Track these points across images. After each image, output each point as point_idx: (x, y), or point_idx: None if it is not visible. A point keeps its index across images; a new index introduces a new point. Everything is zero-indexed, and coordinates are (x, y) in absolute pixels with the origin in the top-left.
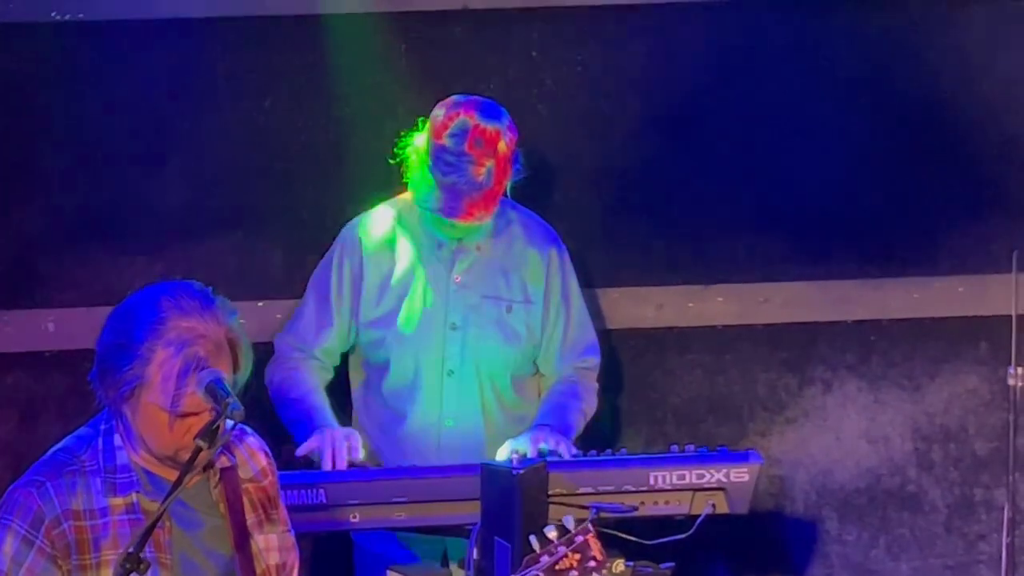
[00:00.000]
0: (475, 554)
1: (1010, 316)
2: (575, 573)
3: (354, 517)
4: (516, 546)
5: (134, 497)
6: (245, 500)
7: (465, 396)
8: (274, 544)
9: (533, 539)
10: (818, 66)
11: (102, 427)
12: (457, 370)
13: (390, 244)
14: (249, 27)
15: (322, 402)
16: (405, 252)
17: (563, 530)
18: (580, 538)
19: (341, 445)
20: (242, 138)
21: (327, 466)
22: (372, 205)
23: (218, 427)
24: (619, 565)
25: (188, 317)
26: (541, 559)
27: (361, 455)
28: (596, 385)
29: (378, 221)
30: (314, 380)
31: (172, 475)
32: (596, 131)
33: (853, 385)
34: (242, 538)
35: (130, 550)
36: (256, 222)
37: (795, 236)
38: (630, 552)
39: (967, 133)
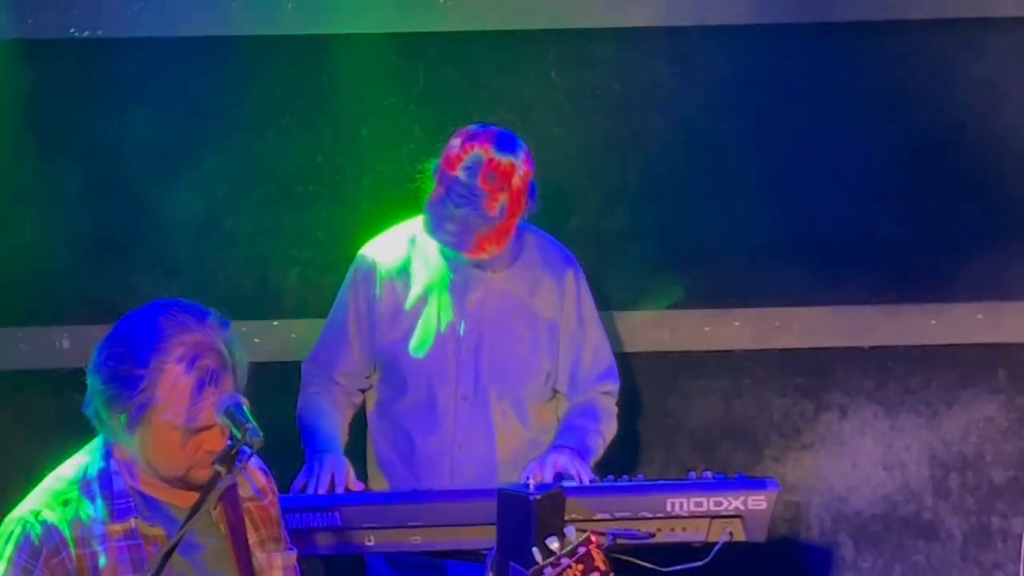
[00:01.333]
0: None
1: None
2: None
3: (369, 540)
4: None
5: (132, 523)
6: (246, 519)
7: (479, 421)
8: (277, 563)
9: (536, 551)
10: (837, 91)
11: (98, 453)
12: (471, 395)
13: (405, 268)
14: (266, 46)
15: (327, 427)
16: (420, 276)
17: (565, 541)
18: (583, 549)
19: (325, 477)
20: (257, 157)
21: (296, 487)
22: (388, 226)
23: (236, 452)
24: None
25: (190, 331)
26: (545, 571)
27: (343, 487)
28: (615, 409)
29: (393, 244)
30: (328, 405)
31: (172, 497)
32: (613, 154)
33: (870, 411)
34: (244, 558)
35: (150, 574)
36: (271, 241)
37: (813, 261)
38: None
39: (986, 160)
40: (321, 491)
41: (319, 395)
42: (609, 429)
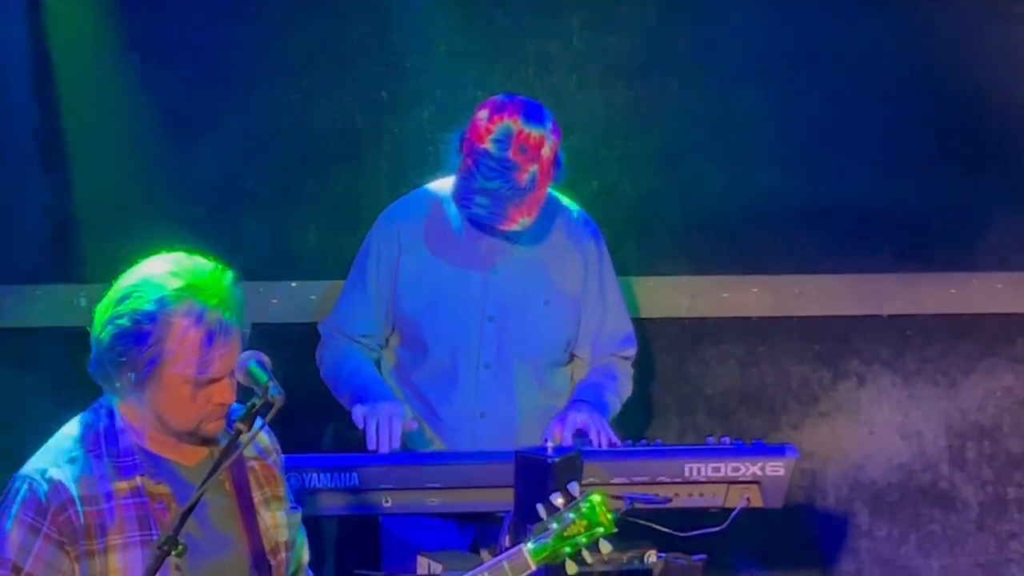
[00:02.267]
0: (507, 541)
1: None
2: (584, 539)
3: (387, 502)
4: None
5: (138, 480)
6: (251, 478)
7: (500, 389)
8: (281, 521)
9: (540, 507)
10: (858, 59)
11: (103, 411)
12: (493, 363)
13: (426, 235)
14: (287, 7)
15: (374, 373)
16: (444, 241)
17: (569, 497)
18: (587, 504)
19: (385, 427)
20: (278, 118)
21: (371, 445)
22: (406, 188)
23: (257, 410)
24: (652, 555)
25: (194, 283)
26: (550, 527)
27: (400, 439)
28: (631, 371)
29: (417, 207)
30: (363, 357)
31: (178, 455)
32: (634, 119)
33: (887, 380)
34: (249, 516)
35: (169, 533)
36: (290, 202)
37: (832, 229)
38: (663, 543)
39: (1008, 128)
40: (383, 449)
41: (345, 349)
42: (625, 389)
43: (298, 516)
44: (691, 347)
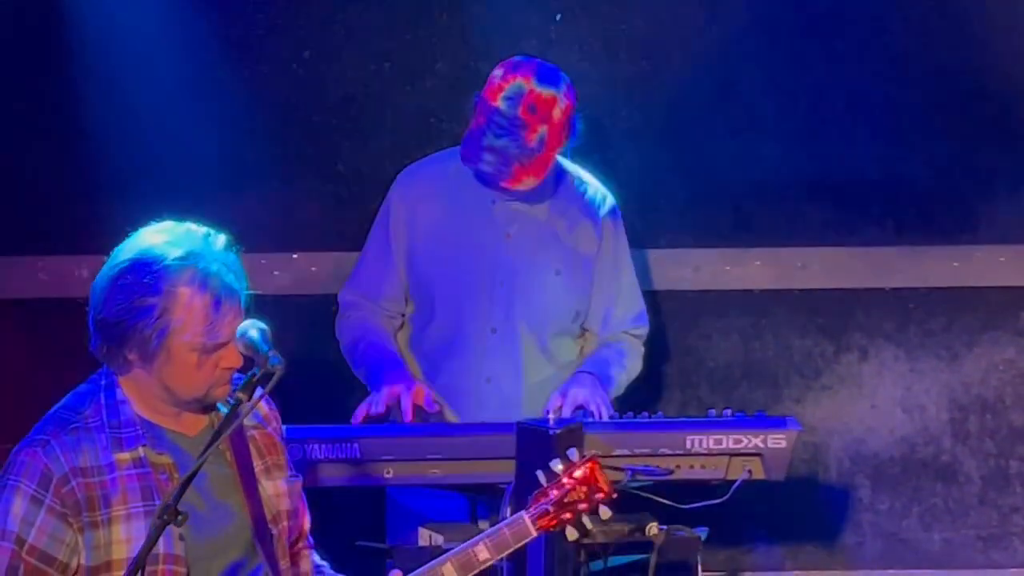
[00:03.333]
0: (508, 513)
1: None
2: (584, 505)
3: (388, 473)
4: None
5: (141, 451)
6: (251, 447)
7: (507, 354)
8: (283, 490)
9: (540, 474)
10: (862, 33)
11: (103, 382)
12: (500, 328)
13: (443, 196)
14: None
15: (389, 350)
16: (459, 204)
17: (568, 463)
18: (586, 470)
19: (384, 402)
20: (280, 90)
21: (407, 417)
22: (408, 160)
23: (258, 379)
24: (653, 528)
25: (193, 251)
26: (551, 493)
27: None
28: (643, 350)
29: (433, 172)
30: (382, 328)
31: (179, 425)
32: (638, 92)
33: (890, 353)
34: (250, 485)
35: (168, 502)
36: (292, 175)
37: (835, 202)
38: (664, 516)
39: (1011, 102)
40: (380, 409)
41: (366, 320)
42: (634, 366)
43: (298, 484)
44: (694, 320)
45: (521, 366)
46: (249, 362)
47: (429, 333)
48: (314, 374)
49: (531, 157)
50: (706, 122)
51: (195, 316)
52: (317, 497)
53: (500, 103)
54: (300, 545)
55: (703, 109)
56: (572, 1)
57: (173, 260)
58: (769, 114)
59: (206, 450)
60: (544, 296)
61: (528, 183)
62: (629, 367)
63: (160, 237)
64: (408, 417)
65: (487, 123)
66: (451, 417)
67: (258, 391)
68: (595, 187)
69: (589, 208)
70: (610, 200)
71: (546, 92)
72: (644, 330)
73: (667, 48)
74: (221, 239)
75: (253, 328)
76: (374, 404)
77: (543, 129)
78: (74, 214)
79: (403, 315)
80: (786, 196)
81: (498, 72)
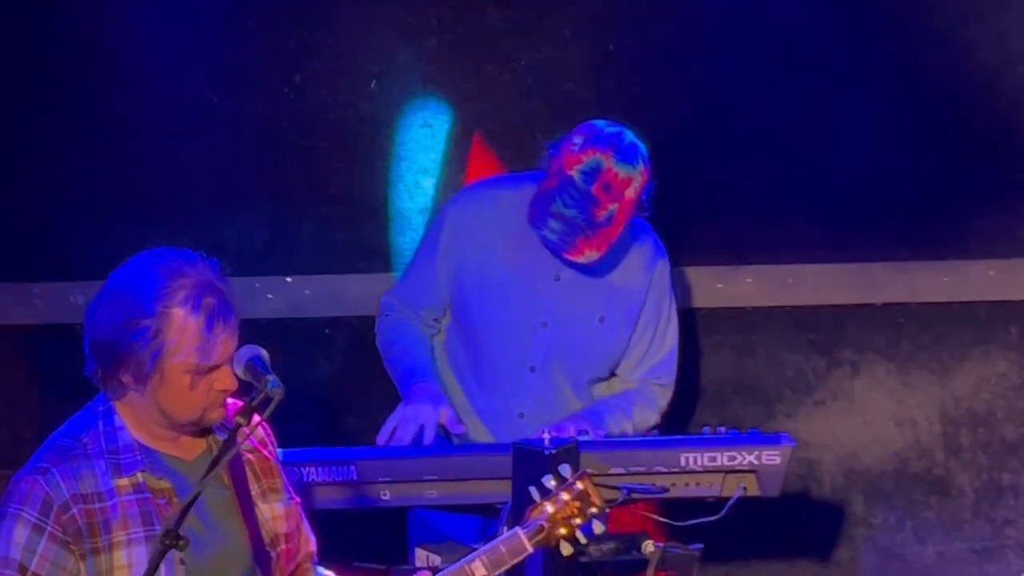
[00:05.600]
0: (504, 533)
1: None
2: (578, 520)
3: (384, 495)
4: None
5: (140, 477)
6: (248, 471)
7: (543, 392)
8: (280, 512)
9: (533, 490)
10: (850, 47)
11: (100, 409)
12: (539, 367)
13: (499, 227)
14: (281, 3)
15: (423, 359)
16: (512, 240)
17: (561, 479)
18: (579, 485)
19: (412, 427)
20: (272, 113)
21: (382, 440)
22: (401, 182)
23: (257, 404)
24: (649, 546)
25: (186, 274)
26: (545, 509)
27: (432, 436)
28: (662, 403)
29: (493, 199)
30: (420, 332)
31: (176, 450)
32: (627, 112)
33: (881, 368)
34: (248, 509)
35: (170, 527)
36: (285, 197)
37: (825, 218)
38: (660, 532)
39: (999, 117)
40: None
41: (402, 322)
42: (643, 417)
43: (296, 506)
44: (685, 338)
45: (554, 406)
46: (247, 387)
47: (469, 360)
48: (309, 397)
49: (596, 232)
50: (695, 140)
51: (189, 337)
52: (315, 517)
53: (575, 174)
54: (304, 567)
55: (692, 127)
56: (561, 22)
57: (167, 282)
58: (757, 132)
59: (206, 475)
60: (586, 342)
61: (590, 256)
62: (636, 417)
63: (153, 260)
64: (429, 440)
65: (559, 189)
66: (482, 436)
67: (256, 416)
68: (650, 238)
69: (642, 260)
70: (662, 254)
71: (624, 172)
72: (667, 380)
73: (655, 68)
74: (214, 263)
75: (252, 352)
76: (399, 432)
77: (614, 207)
78: (68, 240)
79: (439, 323)
80: (776, 213)
81: (577, 141)
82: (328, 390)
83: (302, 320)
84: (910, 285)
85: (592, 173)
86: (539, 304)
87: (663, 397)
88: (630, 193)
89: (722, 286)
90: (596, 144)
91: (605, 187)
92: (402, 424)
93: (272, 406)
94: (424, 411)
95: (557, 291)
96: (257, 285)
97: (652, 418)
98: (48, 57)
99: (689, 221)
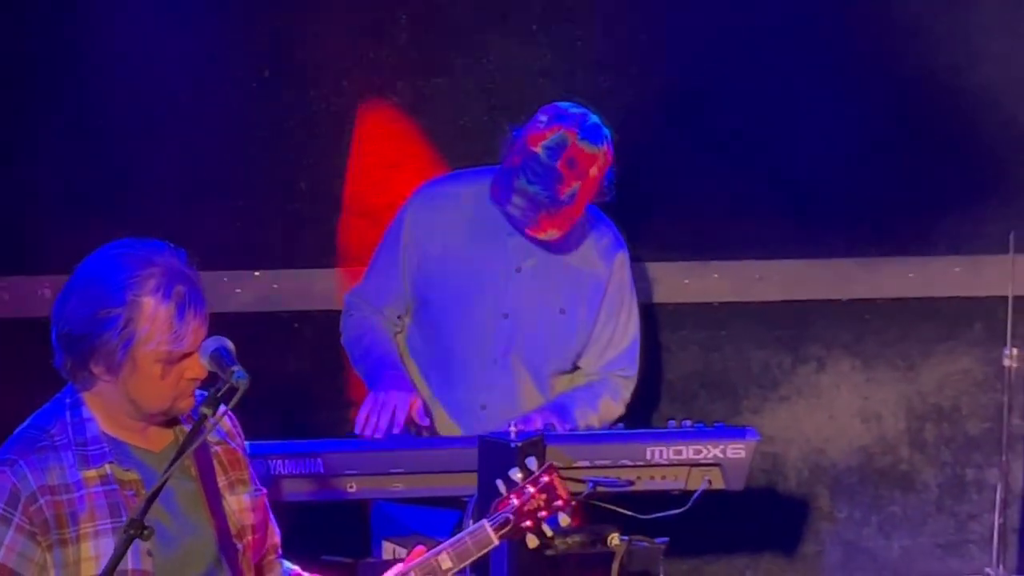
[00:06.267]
0: (470, 525)
1: (1006, 297)
2: (544, 513)
3: (351, 487)
4: None
5: (107, 468)
6: (215, 463)
7: (505, 385)
8: (247, 504)
9: (500, 483)
10: (817, 45)
11: (68, 400)
12: (500, 360)
13: (459, 221)
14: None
15: (390, 354)
16: (472, 233)
17: (528, 471)
18: (545, 478)
19: (385, 415)
20: (241, 108)
21: (368, 431)
22: (369, 179)
23: (222, 394)
24: (614, 538)
25: (154, 263)
26: (511, 501)
27: (399, 426)
28: (626, 395)
29: (452, 194)
30: (384, 330)
31: (144, 441)
32: (594, 106)
33: (847, 364)
34: (215, 501)
35: (134, 516)
36: (254, 192)
37: (792, 214)
38: (625, 526)
39: (966, 114)
40: (378, 435)
41: (368, 319)
42: (608, 410)
43: (263, 498)
44: (652, 333)
45: (517, 398)
46: (213, 378)
47: (431, 354)
48: (277, 390)
49: (559, 209)
50: (662, 135)
51: (159, 325)
52: (282, 510)
53: (540, 150)
54: (271, 557)
55: (659, 122)
56: (529, 18)
57: (135, 271)
58: (725, 126)
59: (171, 465)
60: (547, 334)
61: (552, 234)
62: (602, 409)
63: (121, 251)
64: (398, 428)
65: (522, 165)
66: (448, 428)
67: (222, 406)
68: (610, 231)
69: (602, 252)
70: (622, 246)
71: (588, 149)
72: (630, 372)
73: (622, 63)
74: (179, 252)
75: (218, 343)
76: (372, 420)
77: (577, 185)
78: (36, 234)
79: (402, 319)
80: (743, 210)
81: (543, 118)
82: (296, 384)
83: (270, 314)
84: (876, 281)
85: (557, 148)
86: (500, 296)
87: (627, 389)
88: (594, 172)
89: (689, 282)
90: (562, 121)
91: (570, 162)
92: (374, 411)
93: (237, 396)
94: (396, 397)
95: (518, 283)
96: (225, 279)
97: (617, 410)
98: (15, 51)
99: (657, 217)
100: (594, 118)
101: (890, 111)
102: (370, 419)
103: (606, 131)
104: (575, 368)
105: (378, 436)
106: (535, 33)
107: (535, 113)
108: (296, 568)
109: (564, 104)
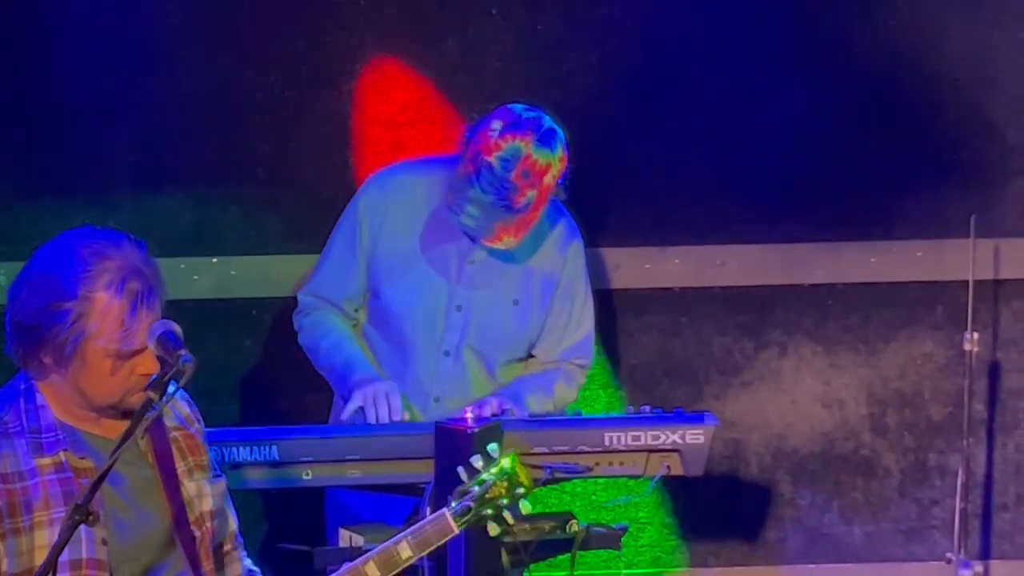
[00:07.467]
0: (428, 512)
1: (967, 281)
2: (505, 501)
3: (307, 475)
4: None
5: (61, 456)
6: (173, 448)
7: (457, 377)
8: (206, 491)
9: (461, 470)
10: (778, 30)
11: (22, 387)
12: (453, 351)
13: (413, 210)
14: None
15: (358, 351)
16: (428, 222)
17: (489, 459)
18: (507, 464)
19: (382, 401)
20: (197, 94)
21: (371, 419)
22: (328, 163)
23: (168, 379)
24: (574, 525)
25: (111, 257)
26: (472, 489)
27: (401, 414)
28: (580, 380)
29: (405, 182)
30: (345, 327)
31: (100, 429)
32: (554, 92)
33: (809, 349)
34: (172, 487)
35: (79, 502)
36: (211, 179)
37: (753, 199)
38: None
39: (926, 98)
40: (395, 417)
41: (328, 317)
42: (564, 394)
43: (222, 485)
44: (613, 318)
45: (469, 389)
46: (163, 363)
47: (384, 347)
48: (236, 377)
49: (514, 217)
50: (622, 121)
51: (111, 322)
52: (241, 498)
53: (494, 161)
54: (228, 547)
55: (619, 108)
56: (488, 2)
57: (90, 265)
58: (685, 111)
59: (116, 449)
60: (500, 325)
61: (508, 242)
62: (557, 395)
63: (77, 241)
64: (397, 415)
65: (476, 175)
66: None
67: (170, 389)
68: (564, 220)
69: (556, 241)
70: (576, 235)
71: (543, 159)
72: (586, 360)
73: (582, 49)
74: (140, 245)
75: (164, 327)
76: (369, 412)
77: (532, 193)
78: None
79: (360, 313)
80: (703, 195)
81: (496, 126)
82: (255, 370)
83: (228, 301)
84: (837, 266)
85: (511, 160)
86: (452, 288)
87: (582, 375)
88: (548, 179)
89: (650, 267)
90: (515, 130)
91: (524, 174)
92: (369, 404)
93: (184, 379)
94: (384, 385)
95: (470, 274)
96: (183, 266)
97: (571, 396)
98: None
99: (616, 202)
100: (548, 122)
101: (850, 96)
102: (379, 407)
103: (561, 134)
104: (529, 357)
105: (396, 418)
106: (494, 17)
107: (491, 111)
108: (257, 571)
109: (517, 108)
